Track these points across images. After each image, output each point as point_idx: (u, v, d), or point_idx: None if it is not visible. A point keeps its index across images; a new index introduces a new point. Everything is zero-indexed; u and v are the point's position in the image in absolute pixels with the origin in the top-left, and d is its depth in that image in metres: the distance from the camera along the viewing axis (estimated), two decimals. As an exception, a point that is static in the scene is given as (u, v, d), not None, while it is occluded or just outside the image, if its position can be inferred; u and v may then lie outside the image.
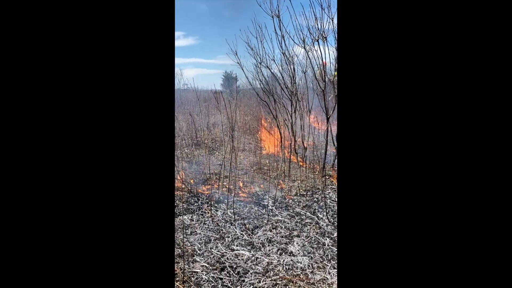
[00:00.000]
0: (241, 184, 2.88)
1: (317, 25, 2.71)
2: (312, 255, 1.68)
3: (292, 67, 2.98)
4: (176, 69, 13.56)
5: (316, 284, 1.44)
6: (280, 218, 2.17)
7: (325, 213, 2.19)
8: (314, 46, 2.85)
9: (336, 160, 3.16)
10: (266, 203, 2.43)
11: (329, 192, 2.67)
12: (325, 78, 2.89)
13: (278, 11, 2.85)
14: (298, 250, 1.74)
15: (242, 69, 3.37)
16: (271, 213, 2.25)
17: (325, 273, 1.52)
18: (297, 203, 2.45)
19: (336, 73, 2.94)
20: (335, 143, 3.07)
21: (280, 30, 2.93)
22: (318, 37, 2.75)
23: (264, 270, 1.56)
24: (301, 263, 1.61)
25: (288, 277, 1.49)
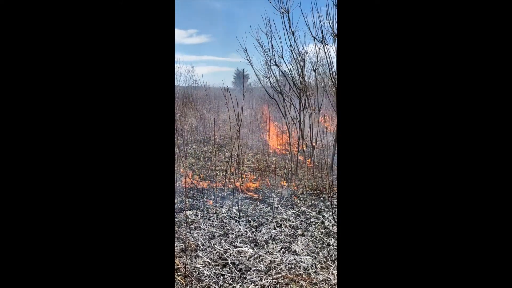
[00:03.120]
0: (249, 184, 2.87)
1: (328, 22, 2.67)
2: (316, 255, 1.66)
3: (301, 64, 2.94)
4: (188, 66, 13.69)
5: (318, 285, 1.42)
6: (285, 216, 2.15)
7: (331, 213, 2.15)
8: (324, 44, 2.80)
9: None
10: (272, 201, 2.41)
11: (336, 192, 2.63)
12: (336, 76, 2.83)
13: (288, 7, 2.81)
14: (302, 250, 1.72)
15: (252, 66, 3.36)
16: (277, 211, 2.23)
17: (328, 273, 1.50)
18: (303, 202, 2.42)
19: None
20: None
21: (290, 26, 2.90)
22: (328, 34, 2.70)
23: (266, 268, 1.55)
24: (304, 262, 1.59)
25: (290, 276, 1.47)
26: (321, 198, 2.47)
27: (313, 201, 2.42)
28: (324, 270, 1.53)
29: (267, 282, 1.43)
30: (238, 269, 1.54)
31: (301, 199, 2.49)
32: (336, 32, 2.73)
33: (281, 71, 3.11)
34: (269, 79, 3.26)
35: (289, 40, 2.96)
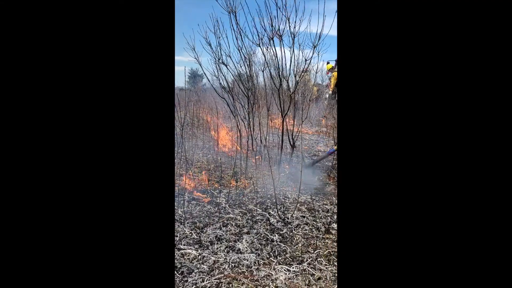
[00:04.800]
0: (195, 183, 2.81)
1: (273, 24, 2.73)
2: (259, 252, 1.68)
3: (248, 63, 2.97)
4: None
5: (260, 281, 1.44)
6: (232, 215, 2.15)
7: (276, 210, 2.21)
8: (270, 45, 2.86)
9: (291, 157, 3.22)
10: (219, 201, 2.39)
11: (283, 189, 2.71)
12: (282, 76, 2.92)
13: (235, 6, 2.82)
14: (246, 247, 1.73)
15: (200, 65, 3.29)
16: (224, 211, 2.22)
17: (270, 269, 1.53)
18: (251, 200, 2.44)
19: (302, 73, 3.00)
20: (291, 141, 3.13)
21: (237, 26, 2.90)
22: (273, 35, 2.77)
23: (209, 268, 1.53)
24: (247, 260, 1.60)
25: (232, 275, 1.47)
26: (268, 196, 2.52)
27: (260, 199, 2.45)
28: (266, 266, 1.56)
29: (209, 283, 1.42)
30: (179, 272, 1.50)
31: (249, 197, 2.51)
32: (279, 33, 2.81)
33: (229, 70, 3.11)
34: (218, 78, 3.24)
35: (237, 40, 2.97)
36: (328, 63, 9.88)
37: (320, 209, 2.29)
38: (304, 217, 2.14)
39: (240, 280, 1.44)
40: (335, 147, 2.64)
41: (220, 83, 3.30)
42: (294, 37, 2.78)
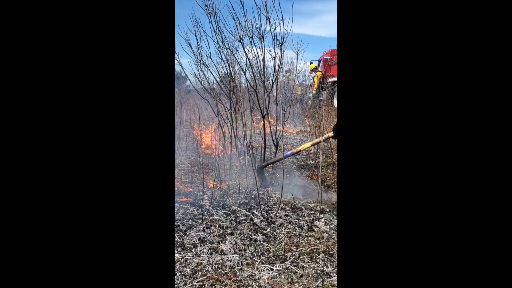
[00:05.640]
0: (179, 185, 2.78)
1: (255, 24, 2.74)
2: (243, 252, 1.68)
3: (229, 64, 2.97)
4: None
5: (243, 281, 1.44)
6: (215, 217, 2.13)
7: (259, 209, 2.21)
8: (251, 45, 2.87)
9: (275, 156, 3.23)
10: (203, 203, 2.38)
11: (267, 188, 2.72)
12: (264, 77, 2.93)
13: (215, 8, 2.81)
14: (229, 248, 1.73)
15: (181, 66, 3.26)
16: (208, 213, 2.20)
17: (254, 269, 1.53)
18: (235, 201, 2.44)
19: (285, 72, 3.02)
20: (274, 141, 3.14)
21: (217, 27, 2.89)
22: (260, 35, 2.78)
23: (192, 271, 1.51)
24: (230, 261, 1.60)
25: (215, 276, 1.47)
26: (252, 196, 2.52)
27: (244, 199, 2.45)
28: (249, 266, 1.56)
29: (191, 286, 1.40)
30: (161, 276, 1.47)
31: (233, 198, 2.50)
32: (263, 34, 2.82)
33: (210, 71, 3.10)
34: (199, 79, 3.22)
35: (217, 40, 2.96)
36: (311, 63, 10.01)
37: (303, 207, 2.31)
38: (287, 215, 2.16)
39: (223, 281, 1.43)
40: (295, 150, 2.65)
41: (201, 84, 3.28)
42: (283, 38, 2.80)
